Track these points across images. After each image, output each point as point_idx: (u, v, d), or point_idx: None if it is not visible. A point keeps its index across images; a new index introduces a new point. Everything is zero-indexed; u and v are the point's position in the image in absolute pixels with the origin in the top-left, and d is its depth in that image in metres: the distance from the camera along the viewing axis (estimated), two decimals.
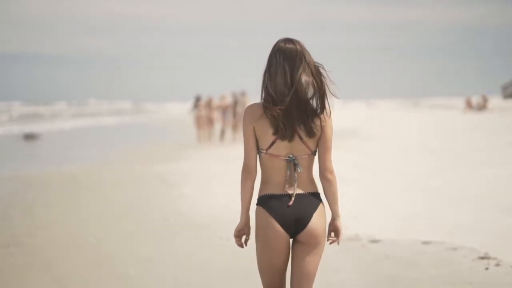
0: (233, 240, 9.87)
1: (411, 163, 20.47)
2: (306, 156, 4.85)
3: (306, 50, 4.86)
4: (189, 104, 36.63)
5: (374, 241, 10.29)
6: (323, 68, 4.88)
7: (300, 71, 4.79)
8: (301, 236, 4.84)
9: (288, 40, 4.86)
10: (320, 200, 4.89)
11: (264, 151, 4.85)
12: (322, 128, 4.85)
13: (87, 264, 9.53)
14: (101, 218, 12.98)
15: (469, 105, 61.36)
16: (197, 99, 34.94)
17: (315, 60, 4.88)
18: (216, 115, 34.98)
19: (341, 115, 56.02)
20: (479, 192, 14.58)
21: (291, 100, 4.77)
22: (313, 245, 4.84)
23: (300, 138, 4.82)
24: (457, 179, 16.64)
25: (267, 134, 4.83)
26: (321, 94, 4.83)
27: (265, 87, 4.83)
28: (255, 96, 4.95)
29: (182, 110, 75.41)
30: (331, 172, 4.94)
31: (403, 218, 11.98)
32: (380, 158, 22.34)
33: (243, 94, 35.02)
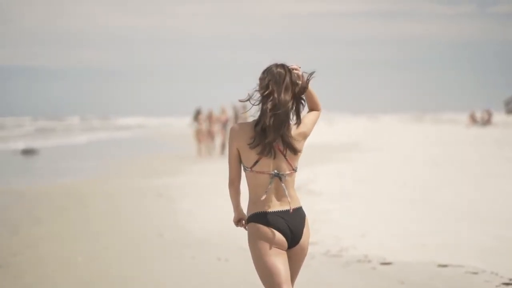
0: (232, 260, 9.30)
1: (417, 177, 19.72)
2: (289, 172, 5.04)
3: (292, 72, 5.07)
4: (190, 117, 35.87)
5: (386, 264, 9.46)
6: (309, 75, 5.12)
7: (284, 92, 4.99)
8: (294, 250, 5.08)
9: (280, 65, 5.08)
10: (305, 214, 5.15)
11: (249, 169, 5.03)
12: (304, 133, 5.06)
13: (74, 285, 8.79)
14: (92, 234, 12.21)
15: (473, 119, 60.72)
16: (197, 112, 34.17)
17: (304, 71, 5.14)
18: (216, 128, 34.24)
19: (343, 129, 55.39)
20: (492, 207, 13.81)
21: (275, 119, 4.95)
22: (302, 258, 5.13)
23: (284, 155, 5.00)
24: (467, 193, 15.88)
25: (251, 152, 5.00)
26: (298, 111, 5.08)
27: (261, 105, 5.01)
28: (254, 108, 5.16)
29: (183, 124, 74.75)
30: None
31: (414, 236, 11.19)
32: (385, 172, 21.59)
33: (244, 106, 34.30)
